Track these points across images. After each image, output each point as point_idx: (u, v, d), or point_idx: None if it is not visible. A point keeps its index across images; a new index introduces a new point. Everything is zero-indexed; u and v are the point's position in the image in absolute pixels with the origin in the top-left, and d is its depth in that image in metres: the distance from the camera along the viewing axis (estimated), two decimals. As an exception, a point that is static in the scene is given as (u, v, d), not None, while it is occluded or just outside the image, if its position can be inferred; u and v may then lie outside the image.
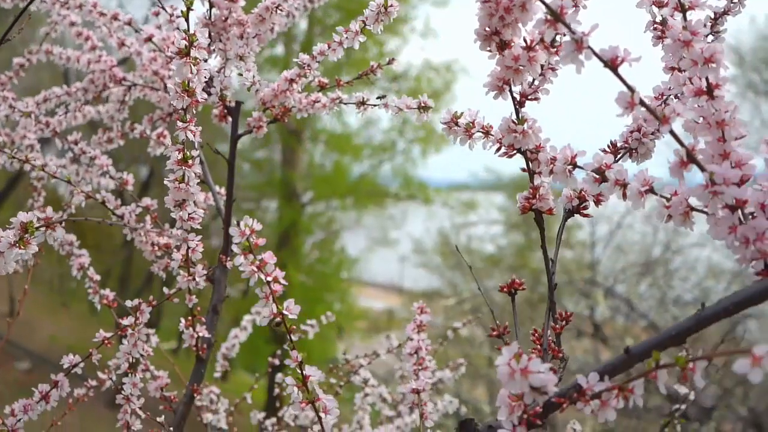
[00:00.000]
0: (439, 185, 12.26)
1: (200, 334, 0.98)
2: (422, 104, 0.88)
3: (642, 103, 0.51)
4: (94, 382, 1.15)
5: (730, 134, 0.54)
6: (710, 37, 0.73)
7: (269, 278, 0.63)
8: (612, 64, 0.51)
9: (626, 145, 0.70)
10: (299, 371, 0.66)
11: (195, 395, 1.00)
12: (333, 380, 1.39)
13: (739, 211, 0.54)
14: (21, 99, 1.23)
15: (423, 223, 11.05)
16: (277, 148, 12.39)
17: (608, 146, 0.70)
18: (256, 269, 0.63)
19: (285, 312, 0.64)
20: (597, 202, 0.68)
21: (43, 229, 0.70)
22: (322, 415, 0.66)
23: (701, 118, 0.55)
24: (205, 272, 0.92)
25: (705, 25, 0.72)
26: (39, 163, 0.99)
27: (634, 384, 0.51)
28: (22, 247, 0.68)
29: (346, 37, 0.93)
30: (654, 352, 0.48)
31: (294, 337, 0.67)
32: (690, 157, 0.52)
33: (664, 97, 0.70)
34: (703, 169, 0.52)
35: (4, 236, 0.68)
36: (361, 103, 0.98)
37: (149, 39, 1.05)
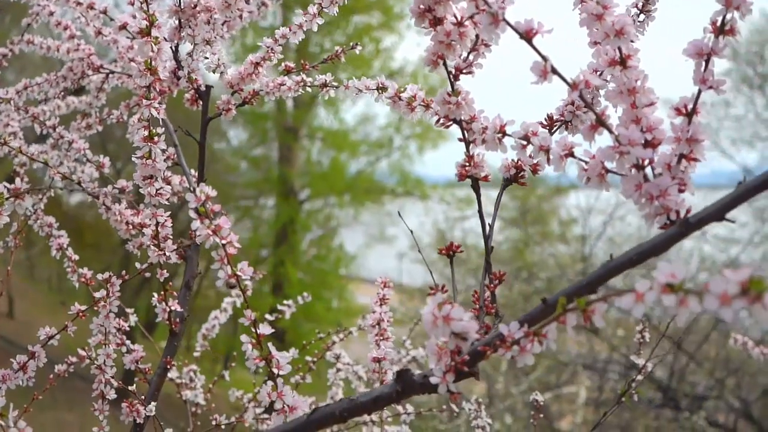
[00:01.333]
0: (437, 181, 12.32)
1: (173, 309, 1.03)
2: (380, 85, 0.92)
3: (554, 71, 0.56)
4: (74, 359, 1.19)
5: (641, 101, 0.58)
6: (642, 16, 0.77)
7: (224, 241, 0.68)
8: (527, 35, 0.56)
9: (562, 118, 0.74)
10: (253, 330, 0.71)
11: (168, 367, 1.05)
12: (308, 357, 1.44)
13: (649, 170, 0.58)
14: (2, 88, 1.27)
15: (418, 219, 11.10)
16: (274, 146, 12.44)
17: (545, 119, 0.74)
18: (211, 233, 0.67)
19: (239, 273, 0.69)
20: (534, 171, 0.73)
21: (12, 199, 0.74)
22: (275, 370, 0.71)
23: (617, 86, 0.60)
24: (174, 247, 0.97)
25: (636, 5, 0.77)
26: (16, 145, 1.04)
27: (547, 329, 0.55)
28: (-8, 217, 0.73)
29: (305, 20, 0.98)
30: (561, 298, 0.53)
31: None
32: (599, 121, 0.57)
33: (598, 72, 0.74)
34: (611, 132, 0.56)
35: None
36: (324, 85, 1.02)
37: (124, 27, 1.10)
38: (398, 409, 1.29)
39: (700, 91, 0.57)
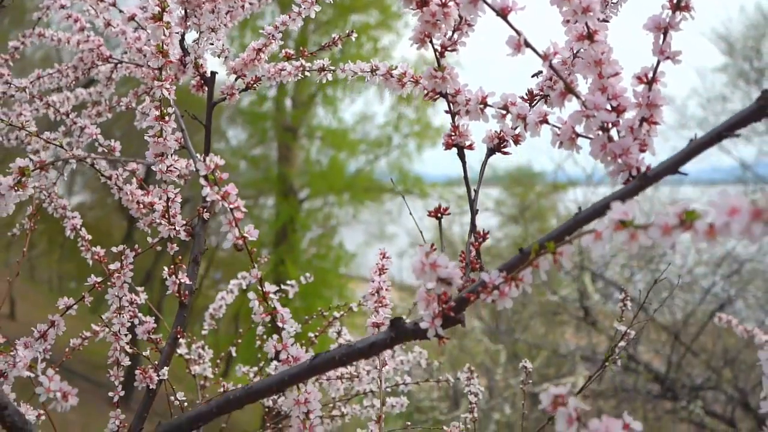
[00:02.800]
0: (436, 180, 12.39)
1: (182, 281, 1.09)
2: (374, 67, 0.99)
3: (527, 44, 0.62)
4: (88, 333, 1.26)
5: (607, 71, 0.65)
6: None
7: (232, 206, 0.74)
8: (503, 12, 0.62)
9: (541, 92, 0.80)
10: (260, 288, 0.78)
11: (178, 337, 1.11)
12: (310, 333, 1.50)
13: (614, 132, 0.65)
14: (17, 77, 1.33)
15: (417, 216, 11.14)
16: (273, 146, 12.51)
17: (526, 93, 0.81)
18: (220, 198, 0.74)
19: (246, 235, 0.75)
20: (516, 142, 0.79)
21: (37, 171, 0.81)
22: (280, 324, 0.77)
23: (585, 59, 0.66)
24: (184, 222, 1.03)
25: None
26: (33, 129, 1.10)
27: (523, 273, 0.62)
28: (19, 188, 0.79)
29: (304, 8, 1.05)
30: (534, 245, 0.59)
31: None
32: (568, 89, 0.63)
33: (574, 50, 0.80)
34: (578, 98, 0.63)
35: (4, 180, 0.79)
36: (322, 69, 1.09)
37: (132, 18, 1.16)
38: (397, 380, 1.35)
39: (659, 61, 0.64)
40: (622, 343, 1.17)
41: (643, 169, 0.62)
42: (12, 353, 0.81)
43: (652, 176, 0.59)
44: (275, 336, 0.77)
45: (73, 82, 1.34)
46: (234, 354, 1.62)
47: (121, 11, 1.23)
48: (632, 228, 0.49)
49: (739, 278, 7.51)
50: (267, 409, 1.47)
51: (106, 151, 1.22)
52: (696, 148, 0.58)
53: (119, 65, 1.34)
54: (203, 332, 1.55)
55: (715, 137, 0.57)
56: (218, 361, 1.54)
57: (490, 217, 11.26)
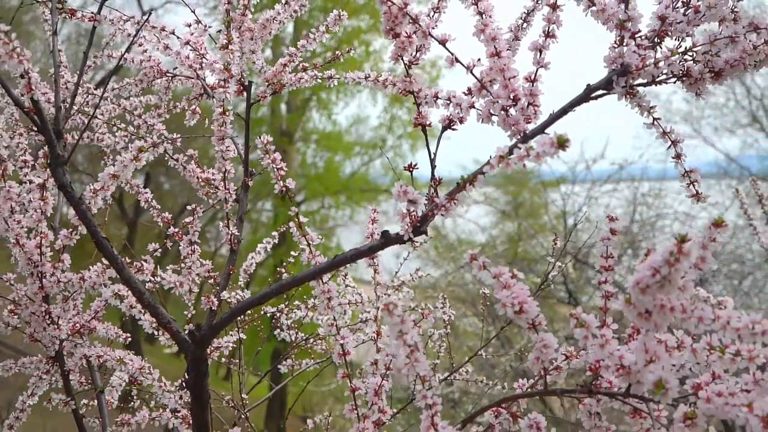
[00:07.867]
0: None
1: (234, 233, 1.52)
2: (367, 75, 1.42)
3: (457, 60, 1.05)
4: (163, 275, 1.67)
5: (507, 75, 1.08)
6: (524, 24, 1.26)
7: (278, 167, 1.17)
8: (442, 42, 1.05)
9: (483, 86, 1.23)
10: (297, 219, 1.20)
11: (231, 273, 1.54)
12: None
13: (513, 111, 1.07)
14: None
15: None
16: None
17: (467, 89, 1.23)
18: (271, 162, 1.17)
19: (287, 185, 1.18)
20: (461, 122, 1.22)
21: (151, 148, 1.23)
22: (311, 242, 1.20)
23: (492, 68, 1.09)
24: (235, 188, 1.46)
25: (521, 17, 1.26)
26: (122, 126, 1.52)
27: (457, 195, 1.04)
28: (136, 161, 1.22)
29: (318, 35, 1.48)
30: (462, 177, 1.02)
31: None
32: (482, 86, 1.06)
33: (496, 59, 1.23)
34: (489, 92, 1.06)
35: (126, 155, 1.21)
36: (330, 77, 1.52)
37: (187, 43, 1.59)
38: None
39: (537, 69, 1.07)
40: (554, 273, 1.59)
41: (527, 133, 1.05)
42: (139, 265, 1.24)
43: (529, 135, 1.02)
44: (307, 249, 1.20)
45: (140, 92, 1.76)
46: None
47: (178, 38, 1.66)
48: (507, 159, 0.92)
49: (716, 261, 7.96)
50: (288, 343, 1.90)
51: (170, 142, 1.65)
52: (552, 119, 1.01)
53: (174, 78, 1.76)
54: (239, 284, 1.98)
55: (562, 112, 1.00)
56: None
57: (484, 216, 11.69)
